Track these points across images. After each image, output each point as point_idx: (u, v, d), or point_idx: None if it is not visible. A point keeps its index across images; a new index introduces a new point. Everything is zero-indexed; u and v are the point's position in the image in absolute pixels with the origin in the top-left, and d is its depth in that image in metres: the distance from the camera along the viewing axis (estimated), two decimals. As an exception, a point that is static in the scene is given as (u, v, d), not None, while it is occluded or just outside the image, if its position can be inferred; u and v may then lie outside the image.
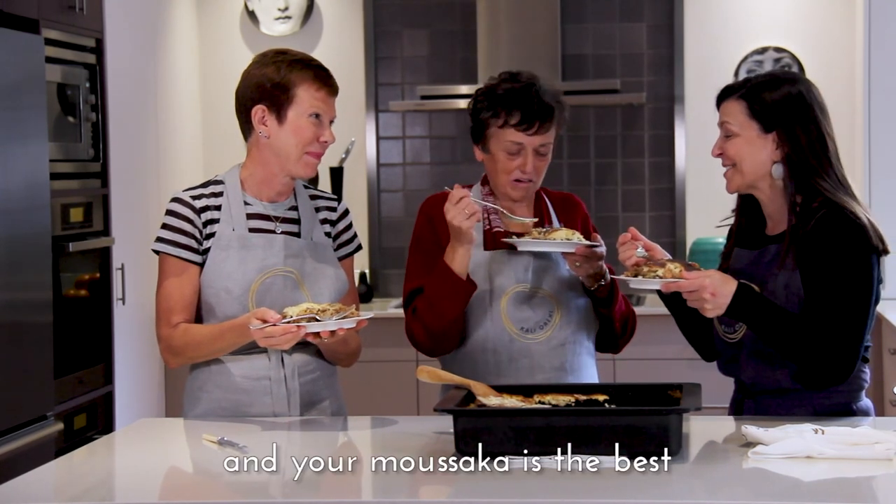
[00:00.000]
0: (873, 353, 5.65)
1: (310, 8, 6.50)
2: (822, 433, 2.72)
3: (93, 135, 5.10)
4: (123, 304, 5.33)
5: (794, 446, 2.68)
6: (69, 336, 4.86)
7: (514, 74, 3.40)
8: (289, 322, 3.02)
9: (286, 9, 6.51)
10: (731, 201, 3.36)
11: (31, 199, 4.44)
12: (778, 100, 3.11)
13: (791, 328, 3.01)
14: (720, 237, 6.02)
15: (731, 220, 3.31)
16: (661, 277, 3.02)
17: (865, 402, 3.16)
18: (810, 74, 6.24)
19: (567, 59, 6.38)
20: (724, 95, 3.19)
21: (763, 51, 6.28)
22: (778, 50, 6.28)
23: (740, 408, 3.21)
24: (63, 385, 4.78)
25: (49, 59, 4.68)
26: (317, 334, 3.05)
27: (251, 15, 6.52)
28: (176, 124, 6.20)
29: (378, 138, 6.53)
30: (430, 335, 3.33)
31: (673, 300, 3.23)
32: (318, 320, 3.03)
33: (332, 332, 3.06)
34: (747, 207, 3.25)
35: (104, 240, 5.14)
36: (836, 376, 3.04)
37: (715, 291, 2.99)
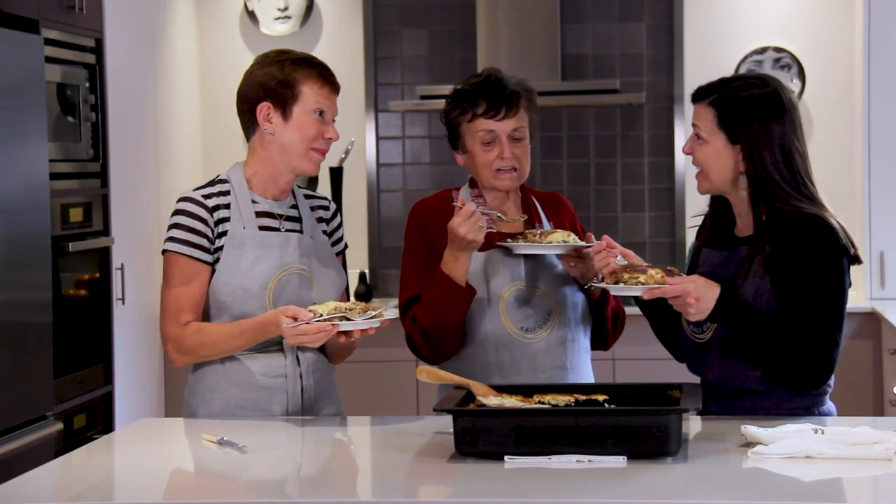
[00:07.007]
0: (873, 352, 5.67)
1: (309, 8, 6.50)
2: (822, 433, 2.73)
3: (92, 135, 5.09)
4: (123, 304, 5.33)
5: (793, 446, 2.68)
6: (69, 336, 4.86)
7: (477, 74, 3.45)
8: (321, 320, 3.05)
9: (286, 9, 6.51)
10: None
11: (30, 199, 4.44)
12: (746, 111, 3.07)
13: (772, 333, 3.01)
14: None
15: (702, 218, 3.31)
16: (642, 284, 3.04)
17: (829, 405, 3.15)
18: (810, 74, 6.24)
19: (567, 59, 6.38)
20: (697, 98, 3.16)
21: (763, 51, 6.28)
22: (778, 50, 6.27)
23: (705, 409, 3.19)
24: (63, 385, 4.77)
25: (49, 59, 4.67)
26: (347, 333, 3.09)
27: (251, 15, 6.52)
28: (176, 124, 6.20)
29: (378, 138, 6.53)
30: (431, 343, 3.34)
31: (647, 304, 3.23)
32: (349, 319, 3.06)
33: (363, 331, 3.11)
34: (719, 206, 3.23)
35: (104, 240, 5.14)
36: (814, 380, 3.04)
37: (699, 296, 3.00)
